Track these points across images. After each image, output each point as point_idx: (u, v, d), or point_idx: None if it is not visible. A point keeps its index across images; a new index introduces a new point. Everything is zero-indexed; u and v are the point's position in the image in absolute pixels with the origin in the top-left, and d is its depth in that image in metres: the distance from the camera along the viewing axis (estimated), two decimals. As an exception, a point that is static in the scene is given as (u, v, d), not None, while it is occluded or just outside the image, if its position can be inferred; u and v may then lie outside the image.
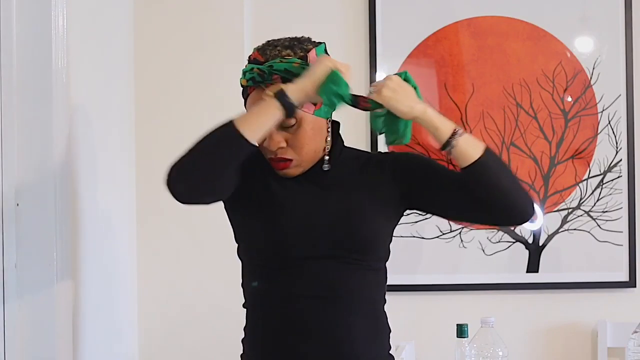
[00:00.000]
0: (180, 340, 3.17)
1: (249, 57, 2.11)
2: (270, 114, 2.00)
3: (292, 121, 2.05)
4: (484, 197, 2.05)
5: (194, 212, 3.10)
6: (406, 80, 2.08)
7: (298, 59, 2.05)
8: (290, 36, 2.11)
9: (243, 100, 2.13)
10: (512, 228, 3.27)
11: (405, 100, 2.05)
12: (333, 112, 2.13)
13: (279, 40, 2.10)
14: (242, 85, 2.11)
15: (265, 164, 2.13)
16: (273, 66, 2.03)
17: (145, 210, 3.16)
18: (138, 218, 3.17)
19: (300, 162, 2.10)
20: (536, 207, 3.27)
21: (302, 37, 2.11)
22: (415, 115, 2.06)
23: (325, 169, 2.12)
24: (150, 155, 3.17)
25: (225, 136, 1.99)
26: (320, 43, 2.11)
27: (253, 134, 1.98)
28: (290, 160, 2.09)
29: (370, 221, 2.09)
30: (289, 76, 2.03)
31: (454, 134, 2.05)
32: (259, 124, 1.99)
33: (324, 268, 2.06)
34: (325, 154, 2.13)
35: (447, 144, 2.05)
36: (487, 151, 2.07)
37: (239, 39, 3.17)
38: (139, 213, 3.17)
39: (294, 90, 2.01)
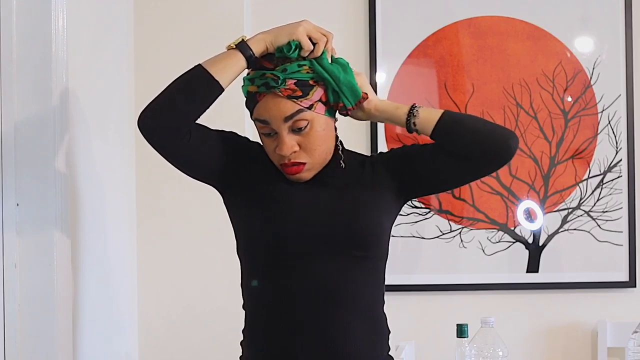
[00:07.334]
0: (180, 341, 3.17)
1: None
2: (235, 64, 2.05)
3: (304, 123, 2.05)
4: (462, 145, 2.09)
5: (195, 211, 3.12)
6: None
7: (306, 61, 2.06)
8: None
9: (249, 109, 2.10)
10: (512, 228, 3.27)
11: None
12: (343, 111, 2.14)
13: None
14: (248, 93, 2.09)
15: (267, 162, 2.13)
16: (287, 70, 2.03)
17: (145, 210, 3.16)
18: (138, 218, 3.17)
19: (313, 165, 2.09)
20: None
21: None
22: (375, 104, 2.14)
23: (342, 167, 2.14)
24: (150, 156, 3.16)
25: (197, 77, 2.04)
26: None
27: (223, 77, 2.04)
28: (304, 163, 2.08)
29: (368, 213, 2.10)
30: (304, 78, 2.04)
31: (412, 106, 2.12)
32: (228, 72, 2.05)
33: (322, 266, 2.06)
34: (336, 154, 2.14)
35: (410, 115, 2.10)
36: (447, 111, 2.13)
37: (239, 39, 3.17)
38: (139, 213, 3.17)
39: (256, 42, 2.06)
